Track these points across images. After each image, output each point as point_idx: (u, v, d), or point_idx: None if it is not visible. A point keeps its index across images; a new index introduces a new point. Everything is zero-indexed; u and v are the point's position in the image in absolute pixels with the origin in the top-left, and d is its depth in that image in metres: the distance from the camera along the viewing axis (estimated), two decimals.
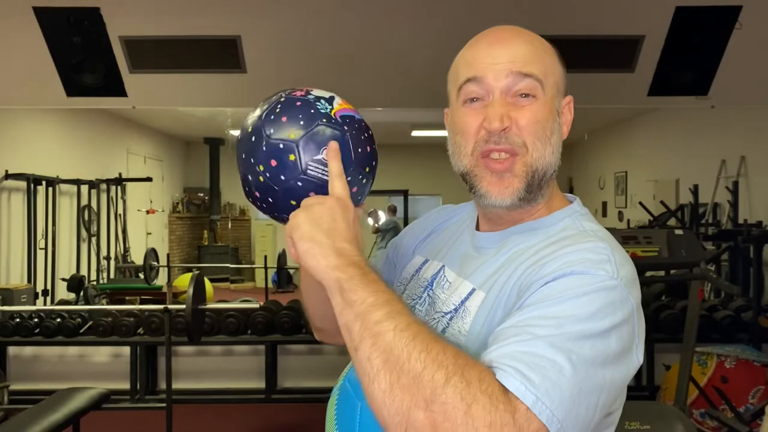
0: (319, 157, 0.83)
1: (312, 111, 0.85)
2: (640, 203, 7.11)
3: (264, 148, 0.84)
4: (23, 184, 6.49)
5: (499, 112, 0.82)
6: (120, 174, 8.37)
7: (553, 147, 0.86)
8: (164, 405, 3.70)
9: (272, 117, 0.85)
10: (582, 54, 3.89)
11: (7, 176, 6.27)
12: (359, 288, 0.72)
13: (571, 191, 9.96)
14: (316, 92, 0.89)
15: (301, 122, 0.84)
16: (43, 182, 6.77)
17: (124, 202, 8.50)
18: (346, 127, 0.86)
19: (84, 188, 7.69)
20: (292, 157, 0.83)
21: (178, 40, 3.86)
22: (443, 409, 0.62)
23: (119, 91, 3.93)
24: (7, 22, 3.74)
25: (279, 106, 0.86)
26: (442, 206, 1.10)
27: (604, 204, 10.48)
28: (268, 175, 0.84)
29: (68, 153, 7.67)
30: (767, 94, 4.16)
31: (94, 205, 7.91)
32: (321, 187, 0.83)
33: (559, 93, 0.88)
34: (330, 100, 0.88)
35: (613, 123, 9.89)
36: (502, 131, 0.82)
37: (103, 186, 8.12)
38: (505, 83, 0.83)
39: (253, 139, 0.85)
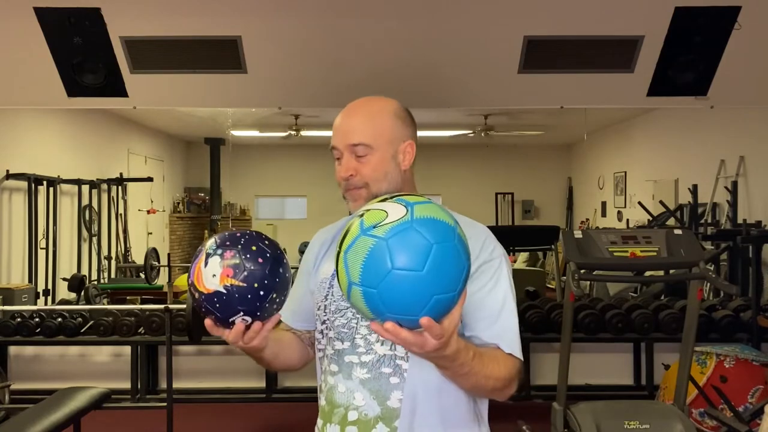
0: None
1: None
2: (639, 203, 7.12)
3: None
4: (24, 184, 6.50)
5: (344, 167, 1.29)
6: (121, 174, 8.38)
7: (389, 181, 1.29)
8: (165, 404, 3.71)
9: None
10: (581, 54, 3.90)
11: (8, 176, 6.28)
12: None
13: (570, 191, 10.04)
14: None
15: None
16: (44, 182, 6.78)
17: (125, 202, 8.51)
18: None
19: (85, 188, 7.70)
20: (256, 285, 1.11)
21: (179, 40, 3.86)
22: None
23: (120, 91, 3.93)
24: (7, 22, 3.74)
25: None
26: (325, 228, 1.45)
27: (603, 204, 10.49)
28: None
29: (69, 153, 7.68)
30: (766, 94, 4.16)
31: (95, 205, 7.93)
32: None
33: (394, 142, 1.30)
34: None
35: (612, 123, 9.90)
36: (349, 177, 1.28)
37: (104, 186, 8.14)
38: (347, 150, 1.29)
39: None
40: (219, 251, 1.09)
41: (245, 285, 1.07)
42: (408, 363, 1.22)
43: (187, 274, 1.19)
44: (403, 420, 1.21)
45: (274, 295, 1.11)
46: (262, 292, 1.09)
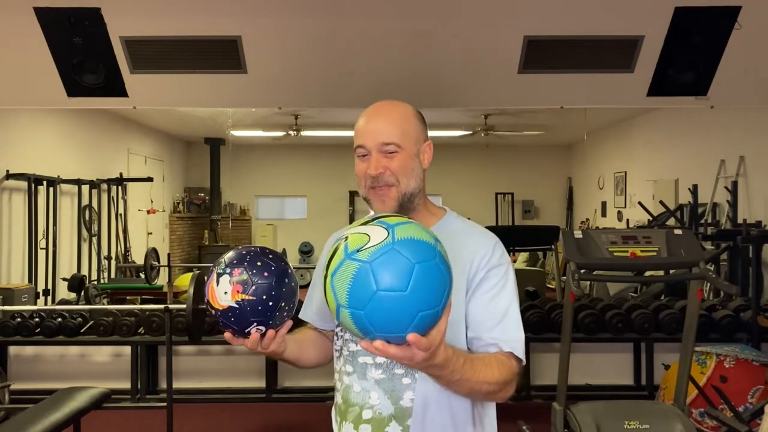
0: None
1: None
2: (640, 203, 7.12)
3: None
4: (24, 184, 6.50)
5: (374, 164, 1.33)
6: (121, 174, 8.39)
7: (415, 178, 1.35)
8: (165, 404, 3.71)
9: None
10: (581, 54, 3.90)
11: (8, 176, 6.28)
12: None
13: (570, 191, 10.03)
14: None
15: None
16: (44, 182, 6.78)
17: (125, 202, 8.51)
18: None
19: (85, 188, 7.70)
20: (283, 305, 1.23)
21: (179, 40, 3.86)
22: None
23: (120, 91, 3.93)
24: (7, 22, 3.74)
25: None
26: (339, 231, 1.45)
27: (604, 204, 10.49)
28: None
29: (69, 153, 7.68)
30: (766, 94, 4.16)
31: (95, 205, 7.93)
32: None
33: (417, 142, 1.37)
34: None
35: (612, 123, 9.89)
36: (378, 175, 1.33)
37: (104, 186, 8.14)
38: (376, 148, 1.33)
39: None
40: (227, 270, 1.19)
41: (254, 298, 1.18)
42: None
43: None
44: (415, 419, 1.27)
45: (283, 304, 1.21)
46: (271, 303, 1.19)
